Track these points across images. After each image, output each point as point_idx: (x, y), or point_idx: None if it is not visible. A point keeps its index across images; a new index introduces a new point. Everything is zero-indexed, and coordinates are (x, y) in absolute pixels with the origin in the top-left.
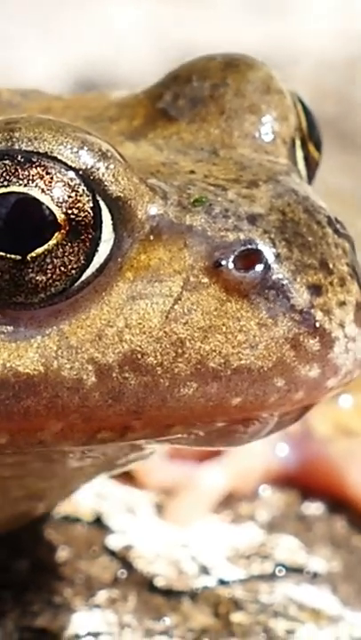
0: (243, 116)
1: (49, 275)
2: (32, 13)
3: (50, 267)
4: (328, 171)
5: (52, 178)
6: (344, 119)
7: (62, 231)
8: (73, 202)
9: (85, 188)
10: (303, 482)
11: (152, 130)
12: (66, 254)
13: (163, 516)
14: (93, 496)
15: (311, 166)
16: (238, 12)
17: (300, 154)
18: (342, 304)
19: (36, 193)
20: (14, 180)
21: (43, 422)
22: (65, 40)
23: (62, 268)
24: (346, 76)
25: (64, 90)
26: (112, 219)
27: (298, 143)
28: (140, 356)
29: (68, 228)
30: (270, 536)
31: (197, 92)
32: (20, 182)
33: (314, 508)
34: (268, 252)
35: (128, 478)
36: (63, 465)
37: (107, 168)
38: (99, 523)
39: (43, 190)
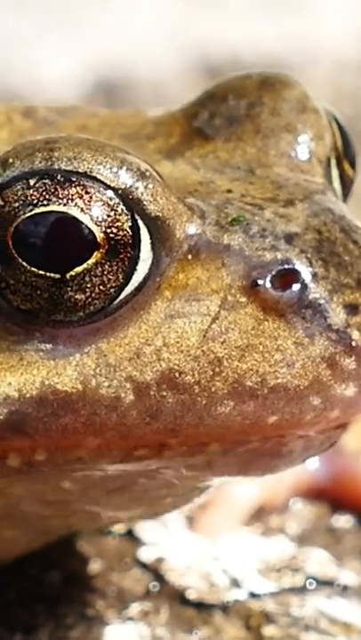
0: (279, 134)
1: (88, 293)
2: (51, 14)
3: (89, 285)
4: None
5: (91, 197)
6: None
7: (101, 250)
8: (112, 221)
9: (124, 208)
10: (333, 495)
11: (189, 148)
12: (105, 273)
13: (194, 528)
14: None
15: (346, 184)
16: (255, 11)
17: (335, 172)
18: None
19: (75, 212)
20: (54, 199)
21: (80, 439)
22: (83, 40)
23: (101, 287)
24: None
25: (82, 89)
26: (150, 238)
27: (333, 162)
28: (177, 375)
29: (107, 247)
30: (301, 549)
31: (233, 110)
32: (60, 201)
33: (343, 521)
34: (305, 272)
35: None
36: (104, 507)
37: (145, 187)
38: (130, 535)
39: (82, 209)
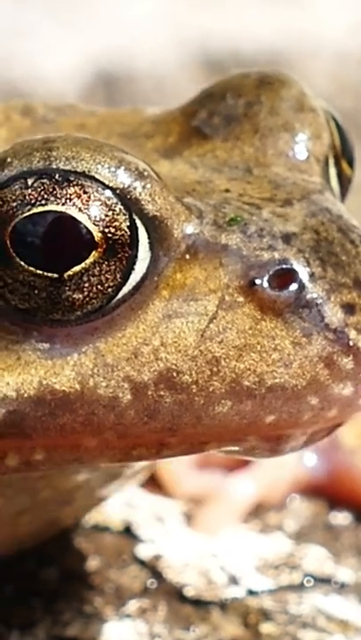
0: (277, 134)
1: (86, 292)
2: (51, 6)
3: (87, 285)
4: None
5: (89, 197)
6: None
7: (99, 250)
8: (110, 221)
9: (122, 207)
10: (331, 492)
11: (187, 147)
12: (102, 272)
13: (192, 525)
14: (123, 505)
15: (344, 183)
16: (256, 4)
17: (333, 171)
18: None
19: (73, 212)
20: (52, 198)
21: (79, 439)
22: (84, 34)
23: (99, 286)
24: None
25: (83, 82)
26: (148, 237)
27: (331, 161)
28: (175, 374)
29: (104, 246)
30: (298, 546)
31: (232, 109)
32: (58, 201)
33: (341, 518)
34: (303, 272)
35: (157, 487)
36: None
37: (143, 187)
38: (128, 532)
39: (80, 209)
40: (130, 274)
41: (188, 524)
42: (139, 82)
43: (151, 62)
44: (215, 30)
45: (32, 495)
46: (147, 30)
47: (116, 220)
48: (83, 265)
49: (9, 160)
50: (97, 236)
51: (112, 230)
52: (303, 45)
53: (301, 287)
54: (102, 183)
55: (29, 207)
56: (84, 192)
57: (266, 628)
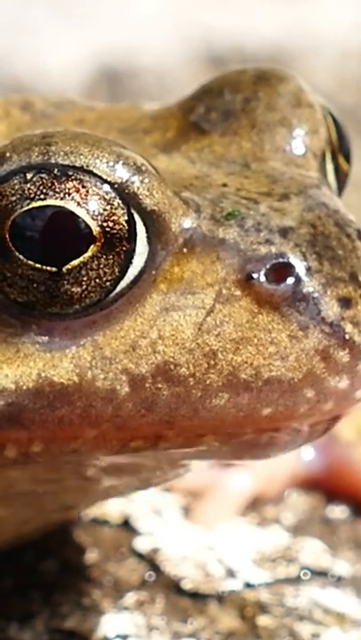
0: (274, 129)
1: (84, 286)
2: (55, 1)
3: (85, 278)
4: None
5: (87, 191)
6: None
7: (97, 244)
8: (108, 215)
9: (120, 202)
10: (328, 485)
11: (185, 142)
12: (101, 266)
13: (190, 518)
14: (121, 499)
15: (341, 178)
16: (259, 0)
17: (330, 166)
18: None
19: (71, 206)
20: (50, 193)
21: (76, 431)
22: (87, 29)
23: (97, 280)
24: None
25: (86, 78)
26: (146, 232)
27: (328, 156)
28: (172, 367)
29: (102, 240)
30: (295, 539)
31: (229, 105)
32: (57, 196)
33: (339, 512)
34: (299, 266)
35: None
36: (98, 483)
37: (141, 182)
38: (126, 525)
39: (78, 204)
40: (128, 268)
41: (186, 517)
42: (142, 78)
43: (154, 58)
44: (218, 27)
45: (38, 508)
46: (150, 26)
47: (114, 215)
48: (81, 259)
49: (8, 155)
50: (95, 230)
51: (110, 224)
52: (306, 42)
53: (298, 281)
54: (100, 178)
55: (28, 201)
56: (83, 186)
57: (263, 620)
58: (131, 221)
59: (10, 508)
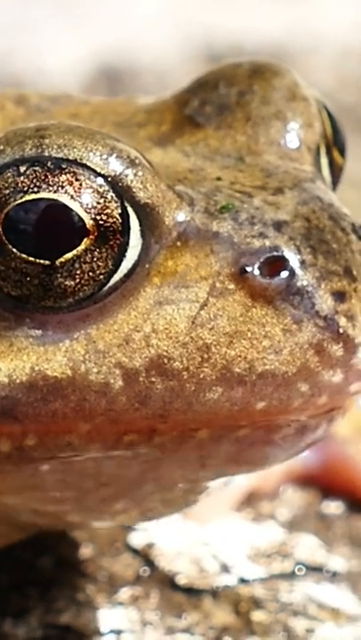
0: (269, 122)
1: (77, 280)
2: (55, 1)
3: (78, 272)
4: (348, 159)
5: (81, 184)
6: None
7: (91, 237)
8: (101, 208)
9: (114, 195)
10: (323, 481)
11: (179, 136)
12: (94, 260)
13: (185, 514)
14: None
15: (335, 172)
16: None
17: (324, 160)
18: None
19: (65, 199)
20: (44, 186)
21: (70, 425)
22: (87, 27)
23: (90, 274)
24: None
25: (85, 76)
26: (140, 225)
27: (323, 150)
28: (166, 361)
29: (96, 233)
30: (291, 535)
31: (224, 98)
32: (50, 188)
33: (334, 507)
34: (294, 259)
35: None
36: None
37: (135, 175)
38: None
39: (72, 196)
40: (121, 261)
41: (180, 513)
42: (142, 76)
43: (154, 57)
44: (218, 25)
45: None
46: (150, 25)
47: (107, 208)
48: (74, 252)
49: (1, 147)
50: (89, 223)
51: (104, 218)
52: (306, 41)
53: (292, 275)
54: (94, 171)
55: (22, 194)
56: (76, 179)
57: (257, 615)
58: (124, 214)
59: (9, 526)
